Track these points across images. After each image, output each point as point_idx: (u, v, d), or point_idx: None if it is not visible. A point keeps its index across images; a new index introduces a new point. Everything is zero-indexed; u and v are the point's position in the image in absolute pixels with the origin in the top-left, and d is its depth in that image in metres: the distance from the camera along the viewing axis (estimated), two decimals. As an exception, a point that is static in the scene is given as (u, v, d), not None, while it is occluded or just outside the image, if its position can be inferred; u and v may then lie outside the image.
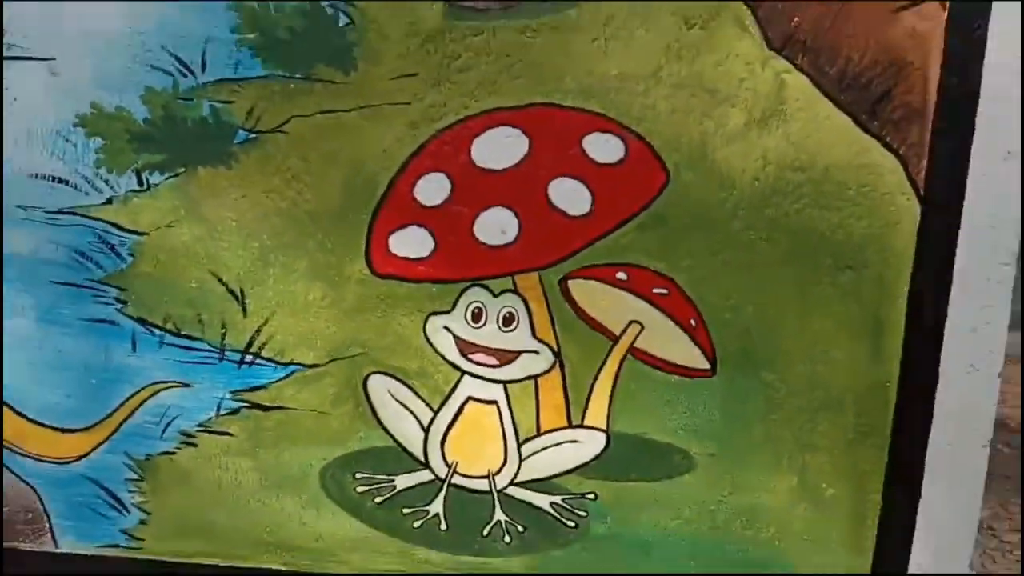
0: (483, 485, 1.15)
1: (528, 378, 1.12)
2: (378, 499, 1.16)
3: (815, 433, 1.09)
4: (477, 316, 1.10)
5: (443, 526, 1.17)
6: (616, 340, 1.09)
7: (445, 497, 1.16)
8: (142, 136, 1.09)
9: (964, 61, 0.98)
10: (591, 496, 1.14)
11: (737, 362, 1.08)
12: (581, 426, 1.12)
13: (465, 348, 1.11)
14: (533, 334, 1.10)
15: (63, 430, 1.18)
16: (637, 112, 1.03)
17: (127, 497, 1.19)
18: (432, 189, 1.07)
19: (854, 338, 1.06)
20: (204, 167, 1.09)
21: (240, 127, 1.07)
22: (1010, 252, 1.01)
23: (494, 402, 1.13)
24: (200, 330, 1.13)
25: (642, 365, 1.09)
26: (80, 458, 1.19)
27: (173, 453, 1.17)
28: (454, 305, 1.10)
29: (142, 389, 1.15)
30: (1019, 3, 0.95)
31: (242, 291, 1.11)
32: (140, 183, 1.10)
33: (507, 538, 1.16)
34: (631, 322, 1.08)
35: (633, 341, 1.09)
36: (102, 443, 1.18)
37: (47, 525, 1.22)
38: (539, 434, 1.13)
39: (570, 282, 1.08)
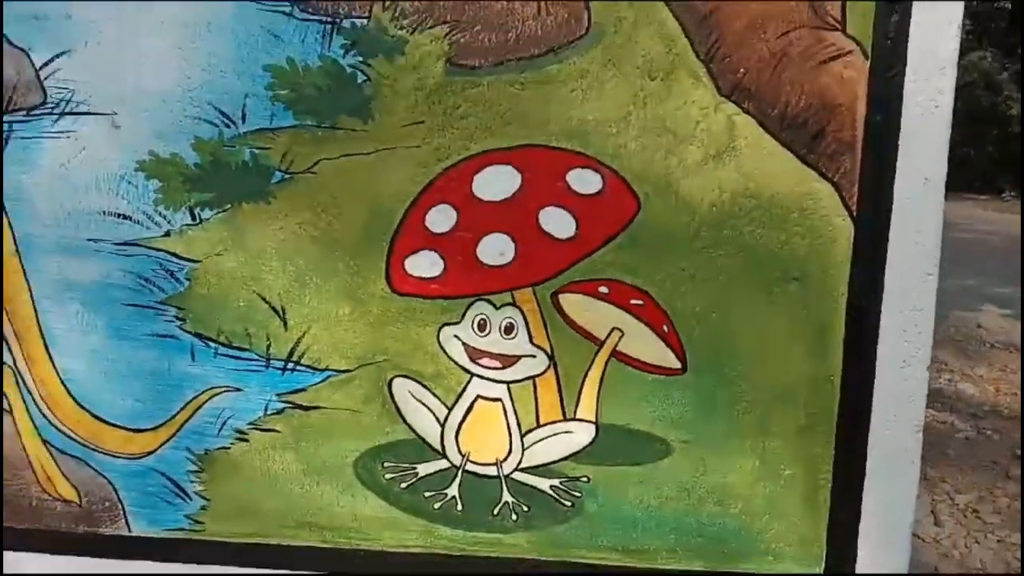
0: (492, 471, 1.34)
1: (527, 378, 1.30)
2: (403, 484, 1.35)
3: (772, 422, 1.26)
4: (482, 326, 1.29)
5: (459, 507, 1.35)
6: (601, 345, 1.27)
7: (460, 482, 1.34)
8: (193, 178, 1.28)
9: (886, 101, 1.15)
10: (584, 479, 1.32)
11: (704, 362, 1.25)
12: (574, 419, 1.30)
13: (473, 354, 1.30)
14: (530, 340, 1.28)
15: (134, 430, 1.38)
16: (611, 150, 1.21)
17: (189, 487, 1.38)
18: (440, 219, 1.26)
19: (802, 339, 1.23)
20: (247, 203, 1.28)
21: (276, 169, 1.26)
22: (932, 263, 1.17)
23: (499, 399, 1.31)
24: (248, 342, 1.32)
25: (623, 366, 1.27)
26: (149, 454, 1.38)
27: (228, 448, 1.36)
28: (462, 317, 1.28)
29: (200, 393, 1.34)
30: (930, 53, 1.12)
31: (283, 308, 1.31)
32: (193, 218, 1.29)
33: (514, 516, 1.34)
34: (613, 329, 1.26)
35: (615, 345, 1.27)
36: (167, 441, 1.37)
37: (122, 512, 1.41)
38: (538, 426, 1.31)
39: (560, 296, 1.26)
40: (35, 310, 1.35)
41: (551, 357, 1.28)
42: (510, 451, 1.32)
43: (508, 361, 1.29)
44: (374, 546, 1.37)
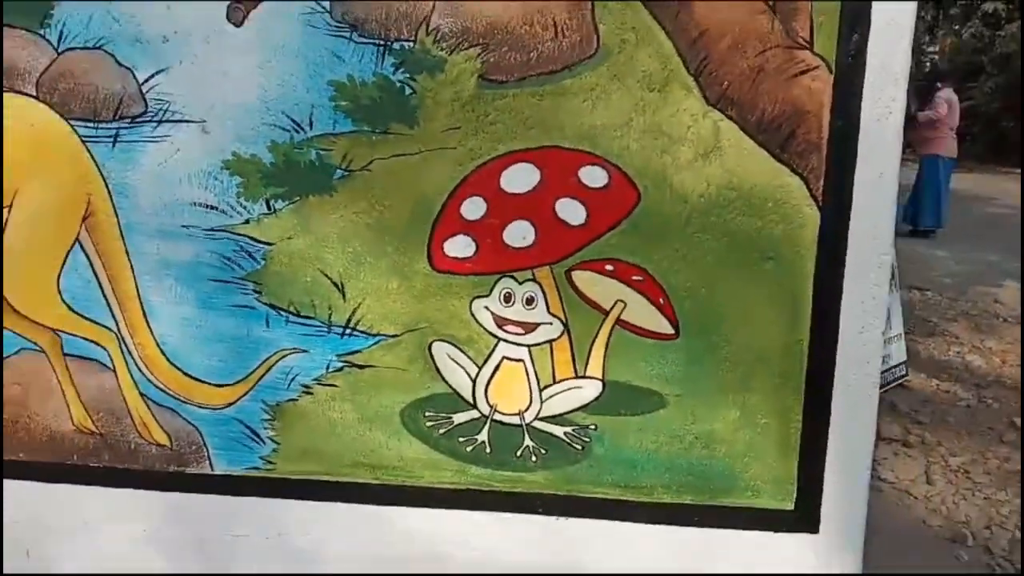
0: (515, 420, 1.59)
1: (545, 342, 1.54)
2: (441, 431, 1.60)
3: (751, 379, 1.49)
4: (507, 298, 1.53)
5: (488, 450, 1.60)
6: (607, 314, 1.51)
7: (488, 429, 1.59)
8: (269, 175, 1.53)
9: (847, 109, 1.35)
10: (593, 427, 1.57)
11: (693, 328, 1.48)
12: (584, 376, 1.54)
13: (499, 321, 1.54)
14: (548, 310, 1.52)
15: (218, 385, 1.64)
16: (616, 151, 1.43)
17: (263, 432, 1.64)
18: (473, 208, 1.49)
19: (776, 309, 1.45)
20: (313, 196, 1.53)
21: (337, 167, 1.51)
22: (887, 244, 1.39)
23: (521, 360, 1.55)
24: (313, 311, 1.57)
25: (626, 332, 1.51)
26: (230, 405, 1.65)
27: (295, 400, 1.62)
28: (491, 291, 1.53)
29: (273, 354, 1.60)
30: (884, 68, 1.33)
31: (342, 283, 1.56)
32: (268, 208, 1.55)
33: (533, 458, 1.59)
34: (617, 301, 1.50)
35: (619, 315, 1.50)
36: (245, 394, 1.63)
37: (207, 454, 1.68)
38: (554, 382, 1.56)
39: (573, 273, 1.50)
40: (136, 285, 1.61)
41: (565, 324, 1.52)
42: (530, 403, 1.57)
43: (529, 328, 1.53)
44: (417, 482, 1.62)
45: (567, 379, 1.55)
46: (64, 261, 1.62)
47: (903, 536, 2.37)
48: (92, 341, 1.65)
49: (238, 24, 1.47)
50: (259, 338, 1.60)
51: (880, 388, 3.18)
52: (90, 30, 1.51)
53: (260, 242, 1.56)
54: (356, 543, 1.65)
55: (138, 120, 1.53)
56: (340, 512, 1.65)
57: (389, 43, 1.44)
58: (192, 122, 1.52)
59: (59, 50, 1.53)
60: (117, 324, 1.64)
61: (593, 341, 1.52)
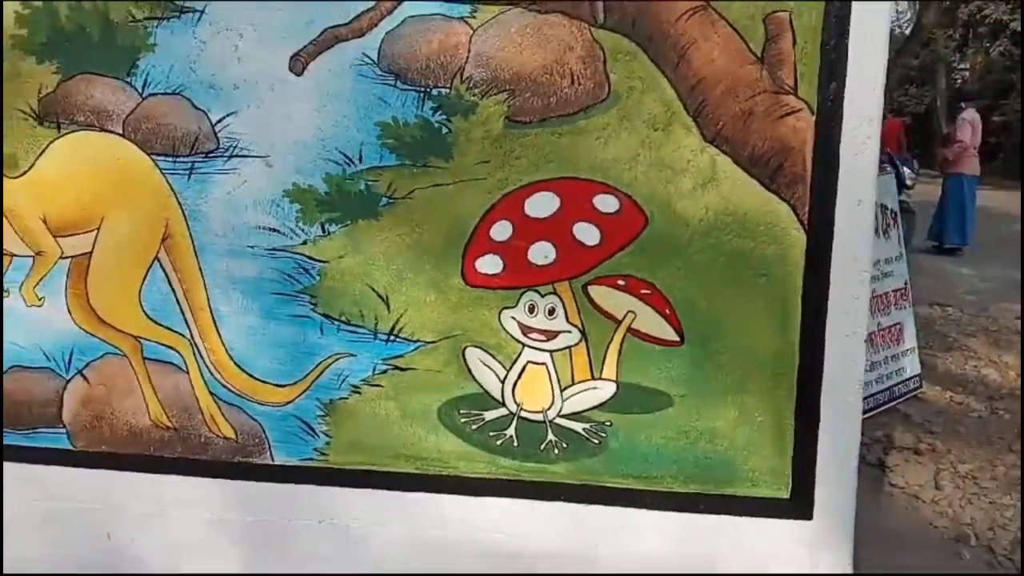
0: (539, 417, 1.78)
1: (565, 348, 1.74)
2: (474, 427, 1.81)
3: (747, 381, 1.67)
4: (532, 309, 1.73)
5: (515, 444, 1.80)
6: (619, 323, 1.70)
7: (516, 425, 1.79)
8: (324, 202, 1.76)
9: (827, 145, 1.54)
10: (608, 423, 1.76)
11: (696, 336, 1.67)
12: (600, 378, 1.74)
13: (525, 330, 1.74)
14: (567, 320, 1.72)
15: (278, 385, 1.86)
16: (626, 181, 1.64)
17: (317, 427, 1.86)
18: (501, 231, 1.70)
19: (769, 320, 1.64)
20: (362, 220, 1.75)
21: (383, 196, 1.73)
22: (866, 262, 1.57)
23: (544, 364, 1.75)
24: (361, 320, 1.79)
25: (636, 339, 1.70)
26: (288, 403, 1.86)
27: (346, 398, 1.83)
28: (517, 302, 1.73)
29: (327, 358, 1.82)
30: (859, 111, 1.51)
31: (387, 296, 1.77)
32: (323, 231, 1.77)
33: (556, 451, 1.79)
34: (628, 312, 1.69)
35: (630, 324, 1.70)
36: (302, 393, 1.85)
37: (267, 446, 1.90)
38: (573, 384, 1.75)
39: (589, 287, 1.70)
40: (207, 298, 1.84)
41: (583, 332, 1.72)
42: (553, 402, 1.77)
43: (551, 335, 1.73)
44: (452, 472, 1.83)
45: (585, 381, 1.75)
46: (145, 276, 1.86)
47: (910, 537, 2.50)
48: (168, 346, 1.89)
49: (298, 74, 1.70)
50: (314, 344, 1.82)
51: (894, 400, 3.33)
52: (170, 78, 1.75)
53: (315, 260, 1.78)
54: (398, 526, 1.86)
55: (211, 155, 1.76)
56: (384, 498, 1.85)
57: (428, 89, 1.66)
58: (257, 157, 1.75)
59: (143, 95, 1.77)
60: (190, 331, 1.87)
61: (607, 347, 1.71)
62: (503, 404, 1.78)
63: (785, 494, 1.70)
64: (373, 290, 1.77)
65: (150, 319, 1.88)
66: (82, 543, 1.98)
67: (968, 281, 6.15)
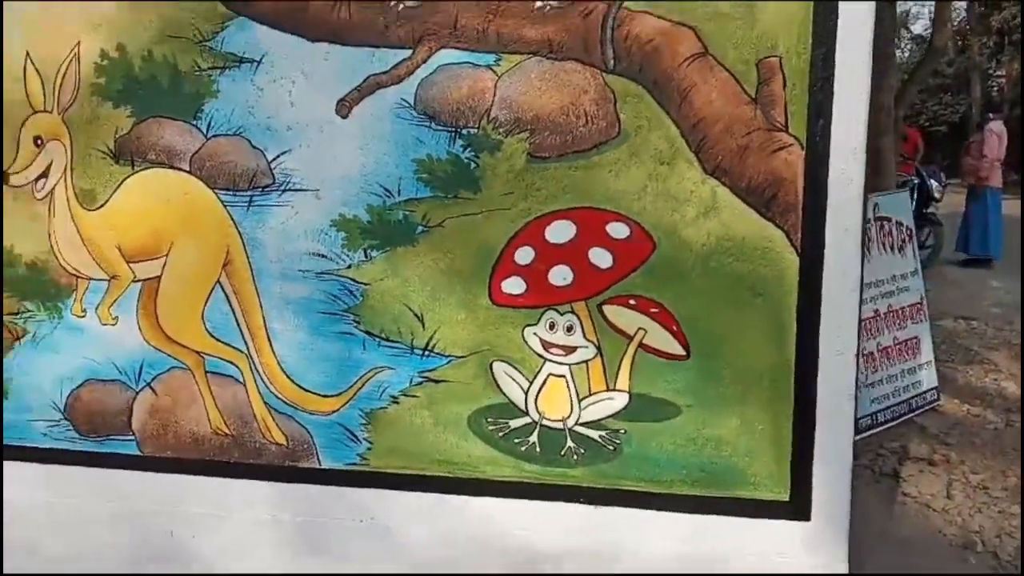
0: (559, 425, 1.95)
1: (582, 362, 1.91)
2: (500, 434, 1.98)
3: (748, 393, 1.82)
4: (552, 326, 1.91)
5: (537, 449, 1.96)
6: (631, 339, 1.87)
7: (538, 433, 1.96)
8: (366, 231, 1.95)
9: (816, 176, 1.70)
10: (622, 431, 1.92)
11: (701, 351, 1.84)
12: (614, 389, 1.90)
13: (546, 345, 1.92)
14: (584, 336, 1.90)
15: (325, 395, 2.06)
16: (636, 209, 1.81)
17: (360, 434, 2.04)
18: (524, 255, 1.89)
19: (767, 336, 1.79)
20: (400, 246, 1.94)
21: (419, 224, 1.92)
22: (855, 282, 1.72)
23: (563, 376, 1.93)
24: (399, 337, 1.98)
25: (646, 353, 1.87)
26: (334, 412, 2.05)
27: (386, 408, 2.02)
28: (538, 320, 1.91)
29: (368, 371, 2.01)
30: (845, 145, 1.67)
31: (422, 315, 1.96)
32: (366, 256, 1.97)
33: (575, 457, 1.95)
34: (639, 328, 1.86)
35: (641, 340, 1.87)
36: (346, 403, 2.04)
37: (315, 452, 2.09)
38: (590, 394, 1.92)
39: (603, 306, 1.88)
40: (263, 317, 2.05)
41: (598, 347, 1.89)
42: (571, 411, 1.94)
43: (569, 350, 1.91)
44: (481, 475, 2.00)
45: (600, 392, 1.91)
46: (208, 298, 2.07)
47: (918, 543, 2.62)
48: (228, 361, 2.09)
49: (344, 117, 1.91)
50: (357, 358, 2.01)
51: (911, 412, 3.43)
52: (231, 121, 1.97)
53: (359, 282, 1.97)
54: (432, 525, 2.03)
55: (267, 189, 1.97)
56: (419, 499, 2.03)
57: (459, 129, 1.86)
58: (308, 191, 1.96)
59: (207, 136, 1.99)
60: (248, 347, 2.08)
61: (621, 361, 1.88)
62: (527, 413, 1.95)
63: (785, 496, 1.85)
64: (410, 309, 1.96)
65: (212, 336, 2.09)
66: (147, 541, 2.19)
67: (994, 294, 6.18)
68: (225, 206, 2.01)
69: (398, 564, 2.06)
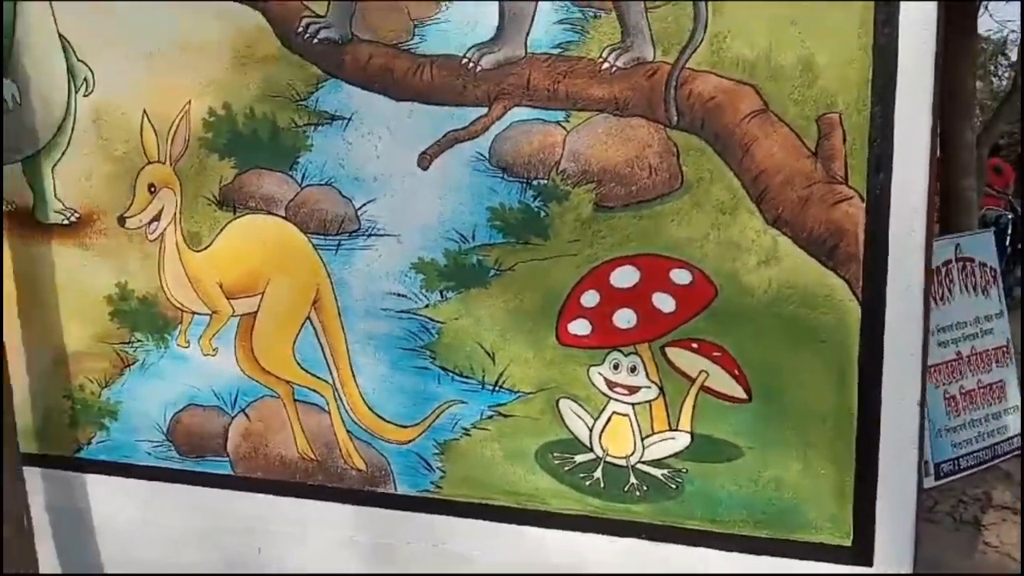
0: (623, 463, 2.02)
1: (645, 402, 1.98)
2: (566, 468, 2.06)
3: (810, 437, 1.85)
4: (616, 367, 1.99)
5: (602, 485, 2.03)
6: (693, 381, 1.93)
7: (602, 469, 2.03)
8: (442, 273, 2.08)
9: (877, 230, 1.74)
10: (684, 470, 1.97)
11: (763, 395, 1.88)
12: (677, 429, 1.96)
13: (610, 385, 2.00)
14: (647, 377, 1.97)
15: (401, 425, 2.18)
16: (698, 257, 1.88)
17: (433, 463, 2.15)
18: (590, 299, 1.98)
19: (829, 382, 1.82)
20: (474, 288, 2.06)
21: (491, 268, 2.04)
22: (918, 330, 1.73)
23: (627, 415, 2.00)
24: (472, 373, 2.09)
25: (709, 396, 1.92)
26: (409, 441, 2.17)
27: (458, 439, 2.13)
28: (603, 361, 1.99)
29: (443, 404, 2.12)
30: (906, 199, 1.70)
31: (493, 352, 2.07)
32: (442, 297, 2.09)
33: (637, 493, 2.01)
34: (701, 371, 1.92)
35: (703, 382, 1.92)
36: (421, 433, 2.16)
37: (392, 478, 2.21)
38: (653, 433, 1.99)
39: (667, 348, 1.94)
40: (348, 351, 2.20)
41: (661, 388, 1.96)
42: (635, 449, 2.00)
43: (633, 390, 1.98)
44: (547, 508, 2.08)
45: (663, 431, 1.97)
46: (299, 333, 2.24)
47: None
48: (315, 391, 2.25)
49: (425, 168, 2.06)
50: (432, 392, 2.13)
51: (996, 459, 3.33)
52: (323, 172, 2.14)
53: (435, 321, 2.10)
54: (499, 553, 2.12)
55: (354, 234, 2.13)
56: (488, 528, 2.12)
57: (530, 181, 1.97)
58: (391, 236, 2.10)
59: (302, 186, 2.16)
60: (333, 379, 2.23)
61: (683, 402, 1.94)
62: (591, 449, 2.03)
63: (847, 541, 1.86)
64: (482, 347, 2.07)
65: (301, 368, 2.24)
66: (238, 556, 2.36)
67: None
68: (316, 249, 2.17)
69: (466, 590, 2.15)
